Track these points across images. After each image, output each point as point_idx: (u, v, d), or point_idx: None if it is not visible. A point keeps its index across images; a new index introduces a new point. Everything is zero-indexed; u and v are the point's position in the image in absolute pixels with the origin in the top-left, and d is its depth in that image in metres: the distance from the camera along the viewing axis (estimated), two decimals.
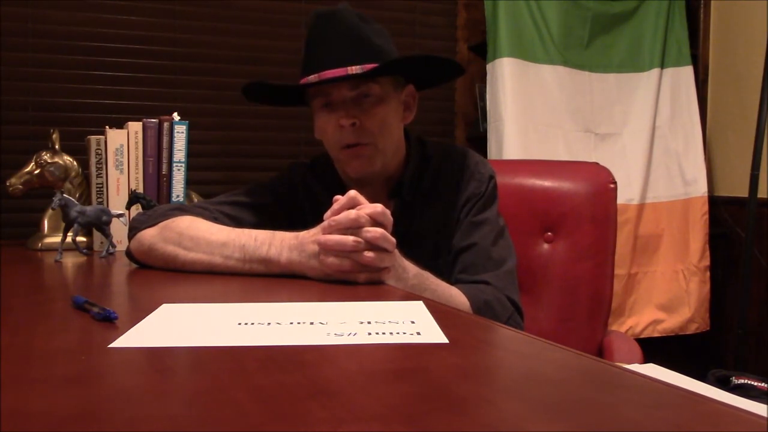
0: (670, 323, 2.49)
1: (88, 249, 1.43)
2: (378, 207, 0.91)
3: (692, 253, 2.51)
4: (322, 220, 1.13)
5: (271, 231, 0.99)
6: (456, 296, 1.04)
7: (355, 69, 1.07)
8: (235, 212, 1.17)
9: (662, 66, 2.50)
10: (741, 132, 2.54)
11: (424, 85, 1.23)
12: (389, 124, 1.13)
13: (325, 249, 0.90)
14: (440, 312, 0.74)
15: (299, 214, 1.20)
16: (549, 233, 1.50)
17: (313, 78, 1.09)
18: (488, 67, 2.34)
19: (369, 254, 0.88)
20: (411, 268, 0.98)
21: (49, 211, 1.56)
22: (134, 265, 1.13)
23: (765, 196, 2.38)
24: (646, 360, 1.19)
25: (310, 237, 0.93)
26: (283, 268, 0.94)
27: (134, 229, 1.11)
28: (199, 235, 1.03)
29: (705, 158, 2.54)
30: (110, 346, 0.58)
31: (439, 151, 1.22)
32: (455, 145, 1.27)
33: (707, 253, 2.53)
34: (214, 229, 1.04)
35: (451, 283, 1.08)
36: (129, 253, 1.13)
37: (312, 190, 1.22)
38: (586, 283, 1.46)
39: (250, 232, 1.00)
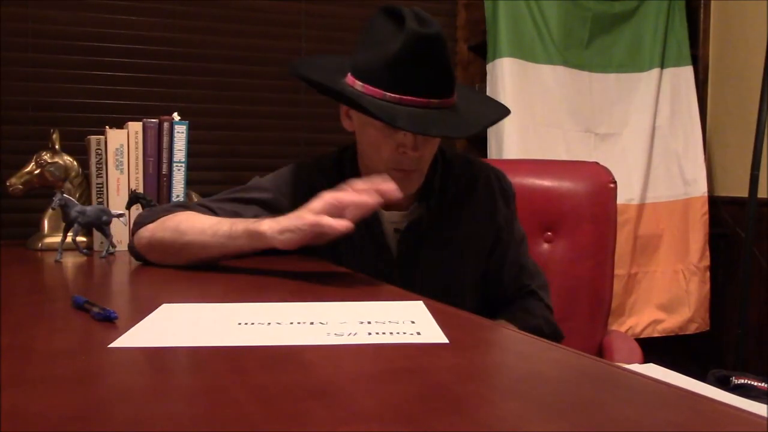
0: (670, 323, 2.49)
1: (88, 249, 1.43)
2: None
3: (692, 253, 2.51)
4: None
5: None
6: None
7: (435, 102, 1.05)
8: (239, 208, 1.18)
9: (662, 66, 2.50)
10: (741, 132, 2.54)
11: None
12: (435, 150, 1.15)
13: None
14: (440, 312, 0.74)
15: None
16: (549, 233, 1.50)
17: (392, 97, 1.04)
18: (488, 67, 2.34)
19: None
20: None
21: (49, 211, 1.56)
22: (134, 265, 1.13)
23: (765, 196, 2.38)
24: (646, 360, 1.19)
25: (301, 210, 0.95)
26: (261, 237, 0.96)
27: (138, 224, 1.15)
28: (195, 220, 1.07)
29: (705, 158, 2.54)
30: (110, 346, 0.58)
31: (460, 160, 1.24)
32: (472, 156, 1.30)
33: (707, 253, 2.53)
34: (210, 217, 1.09)
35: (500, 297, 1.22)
36: (132, 248, 1.15)
37: (318, 190, 1.21)
38: (586, 283, 1.46)
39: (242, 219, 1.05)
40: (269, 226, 0.96)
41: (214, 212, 1.14)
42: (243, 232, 0.99)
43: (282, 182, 1.23)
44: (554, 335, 1.22)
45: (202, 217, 1.10)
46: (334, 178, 1.20)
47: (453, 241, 1.18)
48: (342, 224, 0.89)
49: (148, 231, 1.11)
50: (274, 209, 1.18)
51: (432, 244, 1.17)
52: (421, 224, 1.17)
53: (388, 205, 1.18)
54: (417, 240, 1.17)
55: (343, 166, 1.20)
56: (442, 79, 1.06)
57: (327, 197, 0.92)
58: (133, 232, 1.16)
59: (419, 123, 1.03)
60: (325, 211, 0.91)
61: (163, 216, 1.12)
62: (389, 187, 0.92)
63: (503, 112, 1.19)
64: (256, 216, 1.17)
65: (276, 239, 0.94)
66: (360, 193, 0.92)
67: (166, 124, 1.56)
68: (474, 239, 1.19)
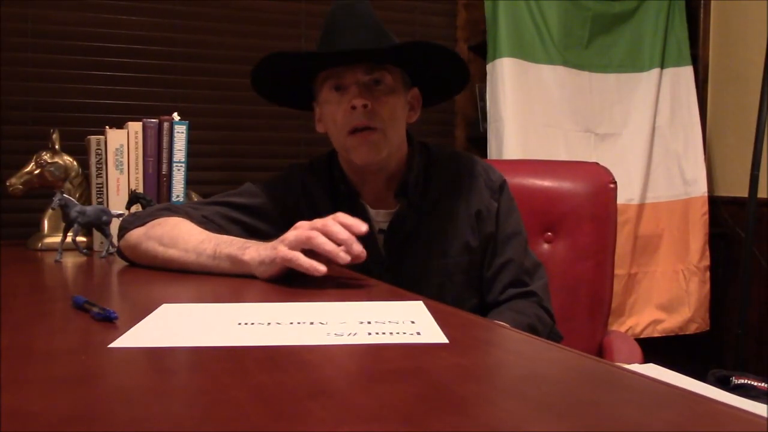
0: (670, 323, 2.49)
1: (88, 249, 1.43)
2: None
3: (692, 253, 2.51)
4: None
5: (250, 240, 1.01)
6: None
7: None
8: (228, 212, 1.18)
9: (662, 66, 2.50)
10: (741, 132, 2.54)
11: (427, 98, 1.23)
12: (398, 116, 1.14)
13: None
14: (440, 312, 0.74)
15: (296, 215, 1.19)
16: (549, 233, 1.50)
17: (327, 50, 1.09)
18: (488, 67, 2.34)
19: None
20: None
21: (49, 211, 1.56)
22: (134, 265, 1.13)
23: (765, 196, 2.38)
24: (646, 360, 1.19)
25: (277, 241, 0.93)
26: (244, 265, 0.96)
27: (123, 229, 1.15)
28: (179, 234, 1.06)
29: (705, 158, 2.54)
30: (110, 346, 0.58)
31: (445, 155, 1.22)
32: (460, 151, 1.28)
33: (707, 253, 2.53)
34: (194, 231, 1.07)
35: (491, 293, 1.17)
36: (119, 251, 1.16)
37: (310, 191, 1.21)
38: (586, 283, 1.46)
39: (228, 237, 1.03)
40: (251, 256, 0.95)
41: (203, 215, 1.14)
42: (227, 257, 0.98)
43: (276, 185, 1.24)
44: (551, 336, 1.17)
45: (186, 229, 1.07)
46: (325, 179, 1.21)
47: (439, 238, 1.16)
48: (315, 269, 0.87)
49: (134, 237, 1.10)
50: (261, 215, 1.19)
51: (417, 242, 1.15)
52: (404, 223, 1.16)
53: (375, 203, 1.18)
54: (401, 239, 1.16)
55: (332, 167, 1.21)
56: (369, 32, 1.09)
57: (302, 233, 0.90)
58: (119, 237, 1.15)
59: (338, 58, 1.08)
60: (299, 248, 0.89)
61: (149, 221, 1.11)
62: (357, 251, 0.89)
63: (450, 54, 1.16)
64: (249, 222, 1.18)
65: (256, 270, 0.94)
66: (334, 244, 0.89)
67: (166, 124, 1.56)
68: (460, 235, 1.17)
